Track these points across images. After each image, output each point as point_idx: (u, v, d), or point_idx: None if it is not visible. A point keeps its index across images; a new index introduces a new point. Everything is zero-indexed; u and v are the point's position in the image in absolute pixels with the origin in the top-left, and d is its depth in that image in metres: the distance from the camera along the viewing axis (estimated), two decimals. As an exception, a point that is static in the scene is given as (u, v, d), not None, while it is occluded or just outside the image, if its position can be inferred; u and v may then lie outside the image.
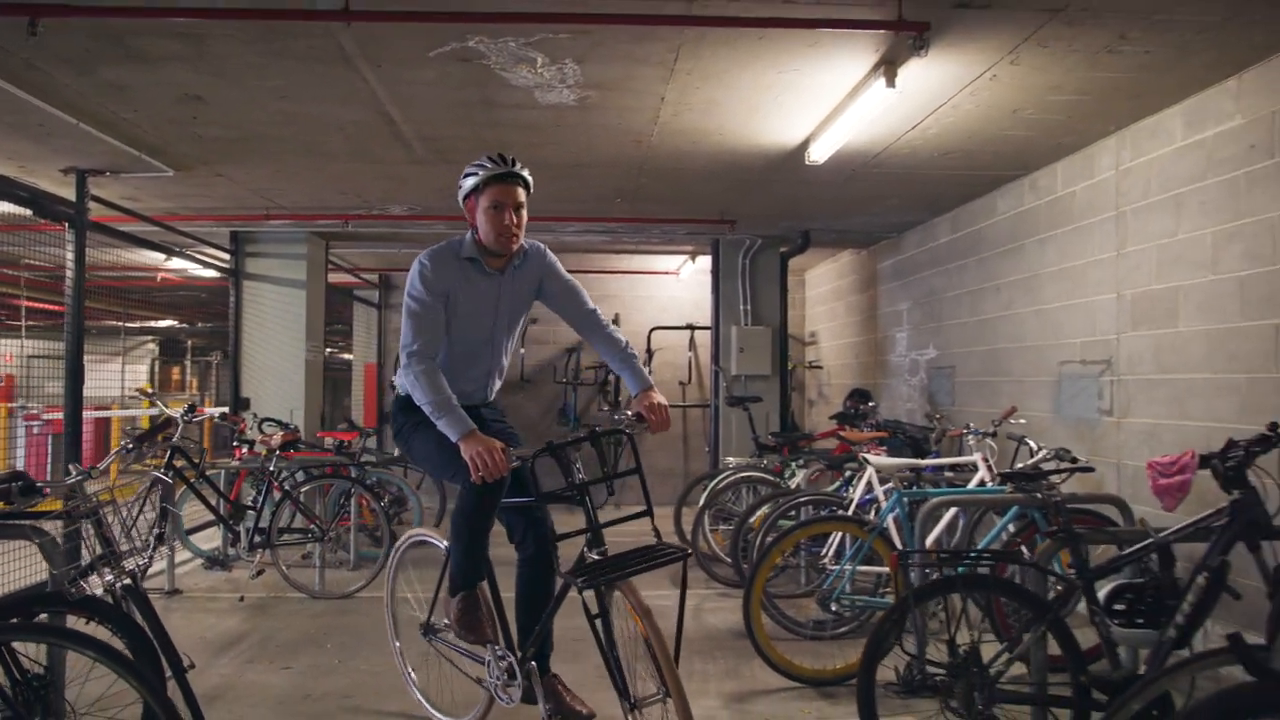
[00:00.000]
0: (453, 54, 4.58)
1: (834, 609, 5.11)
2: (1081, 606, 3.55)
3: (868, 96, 4.90)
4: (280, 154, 6.64)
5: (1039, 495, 3.91)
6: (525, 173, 3.53)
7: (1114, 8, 4.06)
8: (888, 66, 4.59)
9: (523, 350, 12.33)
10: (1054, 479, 4.11)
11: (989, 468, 5.38)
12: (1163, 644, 3.30)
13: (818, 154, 6.03)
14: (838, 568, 5.11)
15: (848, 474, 6.51)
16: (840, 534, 5.42)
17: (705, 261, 10.62)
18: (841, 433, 7.12)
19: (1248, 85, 4.89)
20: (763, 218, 9.03)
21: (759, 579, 4.73)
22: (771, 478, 7.20)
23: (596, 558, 3.19)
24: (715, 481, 7.33)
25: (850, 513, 5.31)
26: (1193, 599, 3.28)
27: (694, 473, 10.27)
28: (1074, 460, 4.52)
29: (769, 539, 5.26)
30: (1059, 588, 3.59)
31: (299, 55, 4.64)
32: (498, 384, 3.87)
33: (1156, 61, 4.71)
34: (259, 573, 6.71)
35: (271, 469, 6.89)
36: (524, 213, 3.51)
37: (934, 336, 8.98)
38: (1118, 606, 3.52)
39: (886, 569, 5.01)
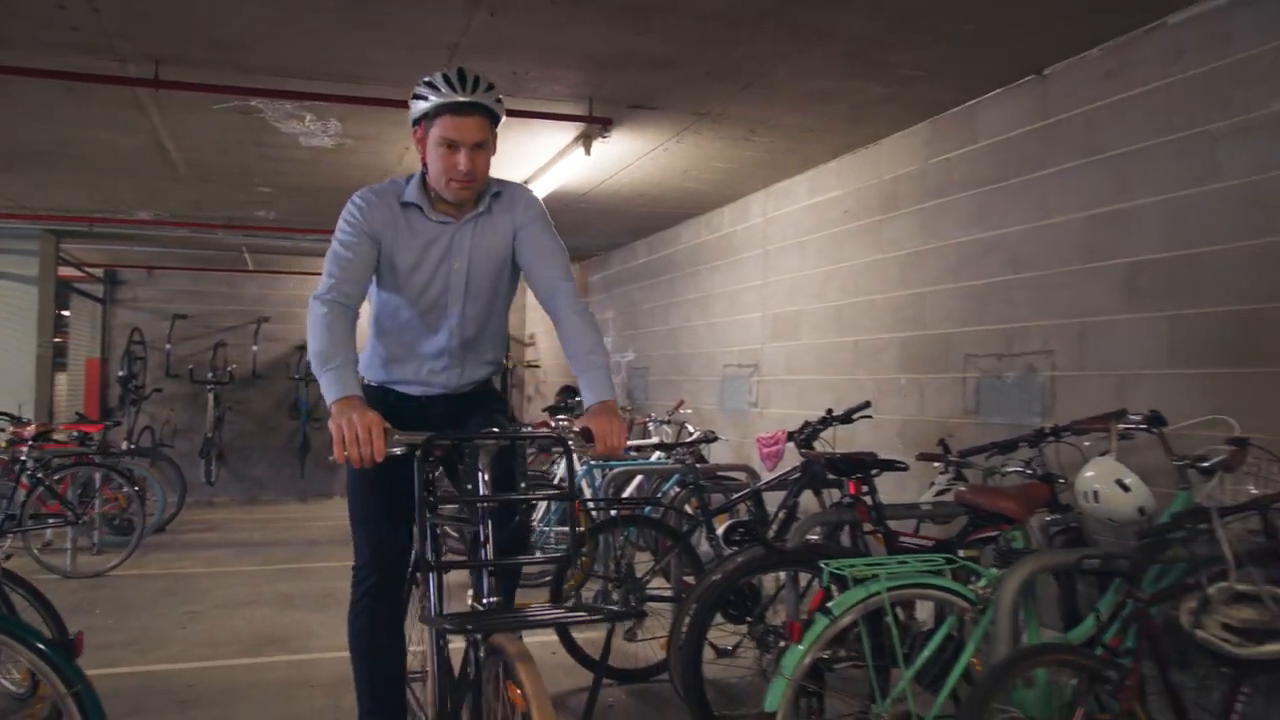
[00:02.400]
0: (235, 108, 5.47)
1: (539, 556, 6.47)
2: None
3: (571, 159, 6.29)
4: (50, 167, 7.07)
5: (681, 463, 5.47)
6: (493, 101, 2.66)
7: (739, 116, 5.68)
8: (585, 140, 5.97)
9: (255, 347, 12.80)
10: (700, 450, 5.68)
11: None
12: (755, 558, 4.90)
13: (535, 193, 7.34)
14: (540, 526, 6.49)
15: (555, 455, 7.90)
16: (547, 501, 6.79)
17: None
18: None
19: (844, 166, 6.73)
20: (489, 234, 10.20)
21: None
22: (493, 461, 8.45)
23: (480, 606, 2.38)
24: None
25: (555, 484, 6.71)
26: (776, 527, 4.91)
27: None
28: (714, 439, 6.16)
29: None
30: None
31: (98, 99, 5.33)
32: (482, 368, 3.06)
33: (780, 147, 6.43)
34: (7, 557, 7.14)
35: (23, 458, 7.30)
36: (488, 153, 2.71)
37: (633, 342, 10.59)
38: (735, 538, 5.10)
39: (581, 529, 6.44)
